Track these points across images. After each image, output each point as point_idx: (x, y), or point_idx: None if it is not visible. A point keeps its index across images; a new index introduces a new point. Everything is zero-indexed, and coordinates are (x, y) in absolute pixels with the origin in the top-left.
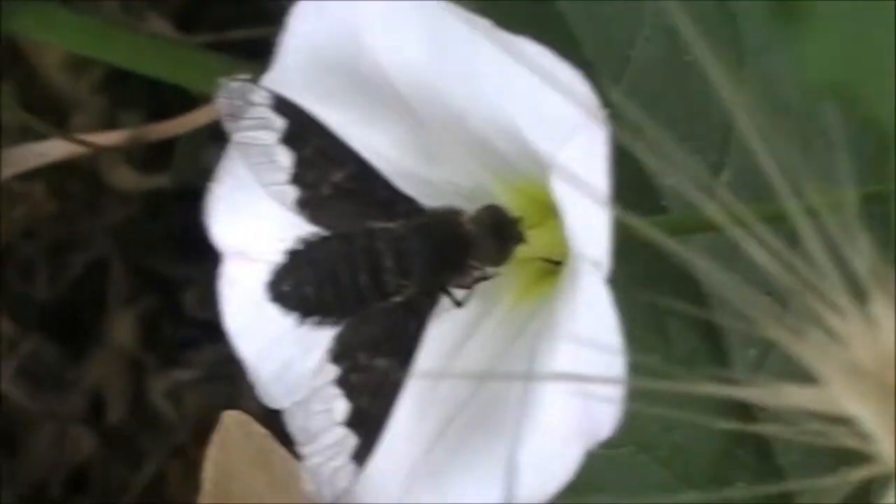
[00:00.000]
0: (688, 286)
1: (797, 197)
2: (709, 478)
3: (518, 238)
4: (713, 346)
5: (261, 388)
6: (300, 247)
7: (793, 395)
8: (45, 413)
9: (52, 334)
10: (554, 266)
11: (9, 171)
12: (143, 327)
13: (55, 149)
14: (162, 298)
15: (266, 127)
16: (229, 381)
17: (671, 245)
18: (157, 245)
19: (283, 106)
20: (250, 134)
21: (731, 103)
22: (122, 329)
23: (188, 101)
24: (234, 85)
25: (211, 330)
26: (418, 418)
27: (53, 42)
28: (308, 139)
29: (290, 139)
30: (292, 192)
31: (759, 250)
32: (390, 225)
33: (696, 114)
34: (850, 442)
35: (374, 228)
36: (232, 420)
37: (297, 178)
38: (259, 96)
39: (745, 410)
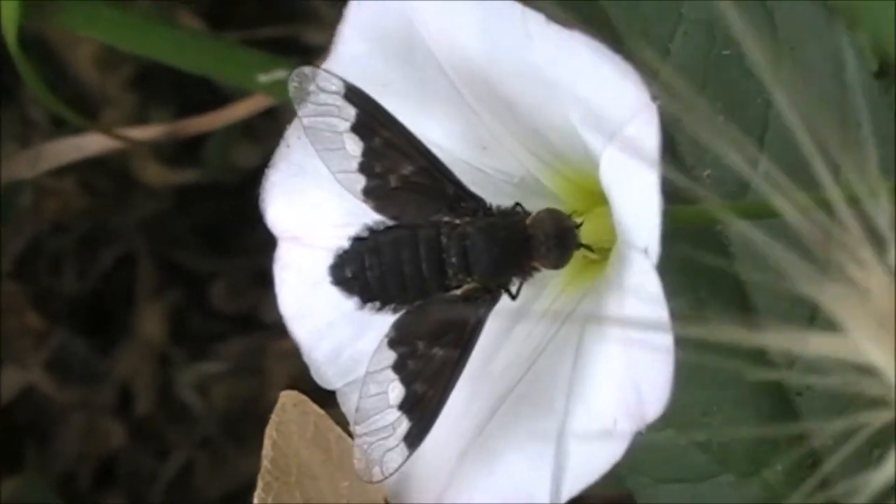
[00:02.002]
0: (725, 267)
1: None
2: (746, 461)
3: (577, 244)
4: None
5: (314, 370)
6: (365, 234)
7: (818, 343)
8: (73, 405)
9: (81, 327)
10: (601, 252)
11: (44, 165)
12: (170, 320)
13: (90, 144)
14: (190, 292)
15: (336, 114)
16: (256, 373)
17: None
18: (185, 239)
19: (353, 95)
20: (320, 119)
21: (773, 93)
22: (151, 322)
23: (216, 97)
24: (306, 70)
25: (238, 323)
26: (470, 399)
27: (93, 36)
28: (377, 130)
29: (359, 128)
30: (360, 180)
31: (792, 211)
32: (456, 221)
33: (733, 106)
34: (872, 389)
35: (440, 222)
36: (289, 400)
37: (366, 167)
38: (331, 83)
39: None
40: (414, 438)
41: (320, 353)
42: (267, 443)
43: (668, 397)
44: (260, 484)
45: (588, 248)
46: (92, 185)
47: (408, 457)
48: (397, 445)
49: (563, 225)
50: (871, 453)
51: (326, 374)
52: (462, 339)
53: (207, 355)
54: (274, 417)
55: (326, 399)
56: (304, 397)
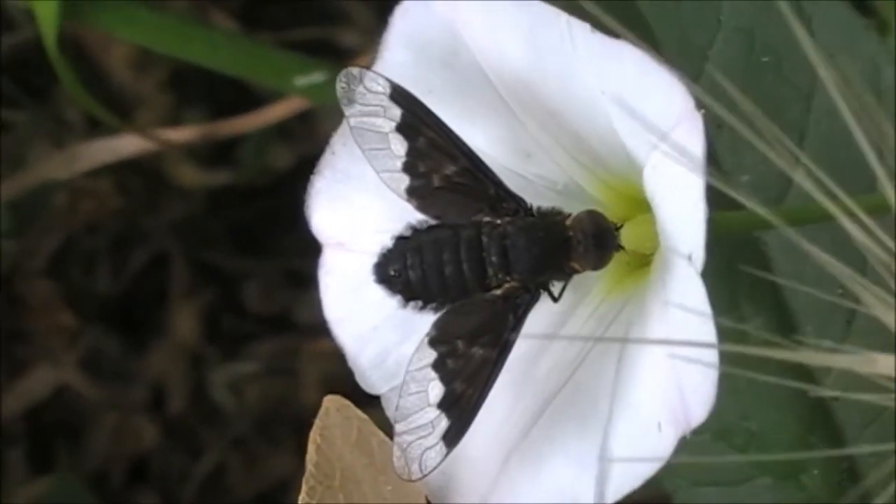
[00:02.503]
0: (764, 280)
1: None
2: (783, 465)
3: (616, 245)
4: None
5: (359, 375)
6: (408, 233)
7: (883, 363)
8: (106, 404)
9: (114, 326)
10: (643, 259)
11: (79, 166)
12: (203, 321)
13: (125, 145)
14: (222, 293)
15: (382, 115)
16: (288, 374)
17: (786, 231)
18: (218, 240)
19: (399, 95)
20: (367, 120)
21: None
22: (183, 322)
23: (248, 99)
24: (353, 71)
25: (270, 324)
26: (514, 403)
27: (128, 38)
28: (421, 130)
29: (404, 128)
30: (404, 180)
31: (853, 227)
32: (497, 221)
33: (771, 113)
34: None
35: (481, 222)
36: (332, 404)
37: (410, 167)
38: (377, 84)
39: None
40: (452, 437)
41: (365, 357)
42: (311, 447)
43: (713, 401)
44: (304, 488)
45: (623, 248)
46: (126, 186)
47: (446, 455)
48: (436, 444)
49: (601, 225)
50: None
51: (371, 378)
52: (501, 338)
53: (240, 356)
54: (318, 422)
55: (366, 404)
56: (347, 402)
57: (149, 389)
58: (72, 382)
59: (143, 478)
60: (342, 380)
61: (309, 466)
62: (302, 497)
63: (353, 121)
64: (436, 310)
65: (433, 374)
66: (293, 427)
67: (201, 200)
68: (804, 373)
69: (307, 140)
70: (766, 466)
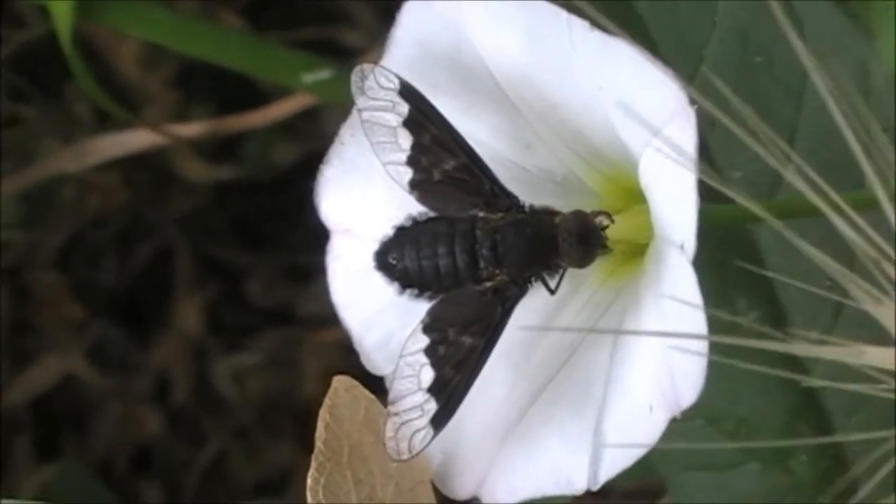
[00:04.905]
0: (755, 267)
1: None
2: (772, 451)
3: (601, 245)
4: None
5: (364, 356)
6: (407, 224)
7: (874, 355)
8: (111, 393)
9: (119, 318)
10: (638, 248)
11: (88, 160)
12: (207, 313)
13: (133, 140)
14: (226, 286)
15: (391, 110)
16: (290, 366)
17: (775, 223)
18: (222, 234)
19: (407, 92)
20: (376, 114)
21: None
22: (188, 314)
23: (254, 96)
24: (366, 67)
25: (273, 317)
26: (512, 386)
27: (137, 35)
28: (426, 126)
29: (410, 124)
30: (408, 173)
31: (841, 222)
32: (491, 216)
33: (763, 112)
34: None
35: (476, 217)
36: (341, 384)
37: (413, 161)
38: (388, 80)
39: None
40: (440, 420)
41: (370, 340)
42: (320, 425)
43: (702, 385)
44: (314, 464)
45: (609, 248)
46: (133, 180)
47: (433, 437)
48: (425, 426)
49: (587, 225)
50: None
51: (376, 360)
52: (489, 328)
53: (243, 347)
54: (327, 401)
55: (372, 387)
56: (355, 382)
57: (153, 380)
58: (78, 372)
59: (146, 466)
60: (343, 371)
61: (318, 444)
62: (311, 473)
63: (364, 114)
64: (430, 298)
65: (425, 360)
66: (294, 418)
67: (207, 195)
68: (794, 362)
69: (312, 137)
70: (755, 452)
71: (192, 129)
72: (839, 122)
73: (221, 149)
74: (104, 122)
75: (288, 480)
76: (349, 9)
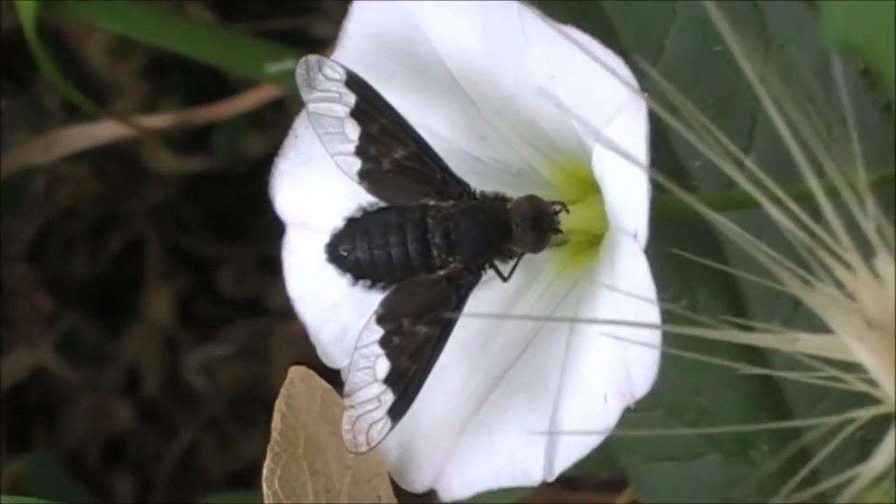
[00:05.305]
0: (714, 258)
1: (818, 177)
2: (733, 440)
3: (554, 229)
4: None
5: (321, 349)
6: (358, 215)
7: (808, 342)
8: (82, 385)
9: (90, 310)
10: (594, 238)
11: (57, 152)
12: (178, 304)
13: (102, 131)
14: (197, 277)
15: (338, 101)
16: (261, 357)
17: (710, 215)
18: (193, 225)
19: (354, 83)
20: (324, 105)
21: (758, 90)
22: (159, 306)
23: (224, 87)
24: (312, 59)
25: (244, 308)
26: (469, 377)
27: (106, 27)
28: (374, 116)
29: (358, 114)
30: (356, 163)
31: (783, 217)
32: (443, 204)
33: (724, 100)
34: (859, 386)
35: (427, 205)
36: (297, 375)
37: (362, 151)
38: (334, 71)
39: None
40: (398, 411)
41: (326, 333)
42: (276, 415)
43: (656, 375)
44: (269, 455)
45: (562, 232)
46: (103, 172)
47: (391, 428)
48: (382, 417)
49: (540, 210)
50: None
51: (332, 353)
52: (443, 317)
53: (214, 339)
54: (283, 392)
55: (331, 378)
56: (311, 373)
57: (124, 371)
58: (49, 364)
59: (118, 458)
60: (315, 362)
61: (274, 434)
62: (267, 464)
63: (311, 106)
64: (383, 289)
65: (380, 351)
66: (266, 408)
67: (177, 186)
68: (754, 353)
69: (280, 128)
70: (716, 441)
71: (161, 120)
72: (777, 120)
73: (191, 140)
74: (74, 114)
75: (260, 471)
76: (320, 0)
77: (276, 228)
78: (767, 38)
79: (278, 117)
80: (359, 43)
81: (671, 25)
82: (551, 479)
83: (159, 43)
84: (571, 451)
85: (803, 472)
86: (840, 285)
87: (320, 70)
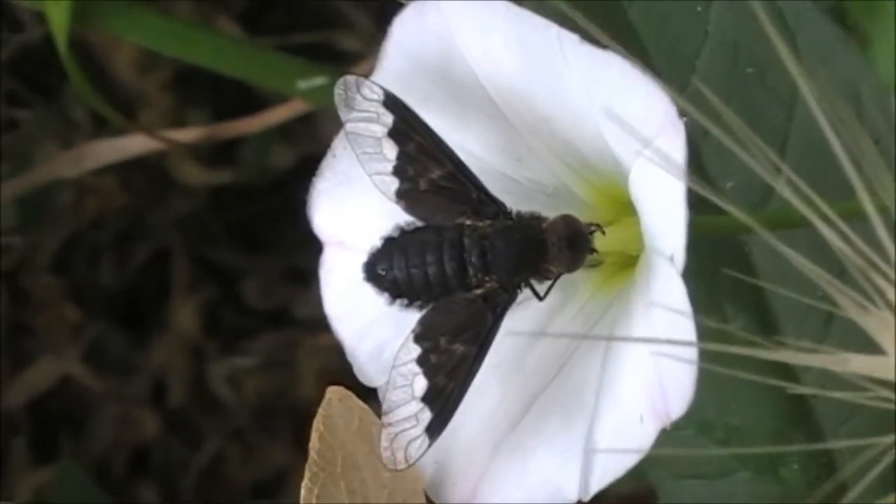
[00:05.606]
0: (745, 274)
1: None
2: (763, 459)
3: (589, 248)
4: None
5: (357, 368)
6: (396, 234)
7: (857, 363)
8: (109, 395)
9: (117, 320)
10: (629, 260)
11: (86, 165)
12: (204, 315)
13: (131, 144)
14: (222, 288)
15: (376, 121)
16: (286, 368)
17: (765, 235)
18: (218, 237)
19: (391, 103)
20: (362, 125)
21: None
22: (185, 316)
23: (251, 101)
24: (350, 79)
25: (269, 319)
26: (503, 396)
27: (134, 40)
28: (411, 136)
29: (396, 134)
30: (394, 183)
31: (830, 233)
32: (479, 223)
33: (754, 121)
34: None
35: (463, 224)
36: (335, 395)
37: (399, 171)
38: (372, 91)
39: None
40: (435, 428)
41: (363, 351)
42: (314, 435)
43: (692, 396)
44: (307, 474)
45: (596, 251)
46: (130, 184)
47: (429, 445)
48: (420, 435)
49: (575, 229)
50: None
51: (369, 371)
52: (480, 335)
53: (240, 350)
54: (321, 411)
55: (364, 396)
56: (349, 392)
57: (150, 381)
58: (75, 374)
59: (143, 467)
60: (339, 373)
61: (312, 454)
62: (305, 483)
63: (349, 126)
64: (421, 307)
65: (417, 369)
66: (290, 419)
67: (203, 199)
68: (784, 370)
69: (307, 141)
70: (746, 460)
71: (188, 134)
72: (828, 133)
73: (218, 153)
74: (101, 127)
75: (284, 482)
76: (346, 13)
77: (302, 240)
78: (800, 61)
79: (305, 131)
80: (397, 63)
81: (703, 46)
82: (587, 498)
83: (186, 57)
84: (607, 472)
85: (830, 486)
86: (875, 298)
87: (358, 90)
